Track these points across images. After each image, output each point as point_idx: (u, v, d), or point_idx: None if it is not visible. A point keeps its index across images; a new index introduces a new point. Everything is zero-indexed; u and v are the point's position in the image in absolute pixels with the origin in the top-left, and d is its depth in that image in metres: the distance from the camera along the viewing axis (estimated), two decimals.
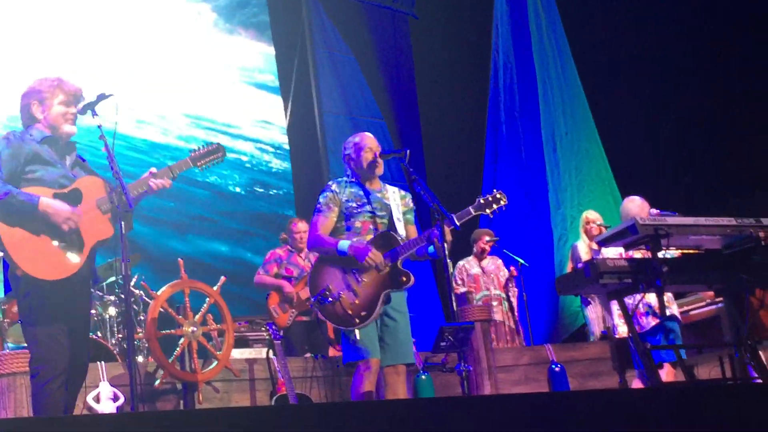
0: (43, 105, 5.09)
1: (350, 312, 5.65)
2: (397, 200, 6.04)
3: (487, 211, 6.01)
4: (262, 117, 12.93)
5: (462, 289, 10.08)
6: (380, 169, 6.02)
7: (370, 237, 5.87)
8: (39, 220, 4.81)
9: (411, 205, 6.16)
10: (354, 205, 5.91)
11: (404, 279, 5.80)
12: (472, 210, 5.96)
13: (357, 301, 5.69)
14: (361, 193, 5.96)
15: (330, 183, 6.05)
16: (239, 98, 12.80)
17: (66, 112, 5.09)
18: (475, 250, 10.27)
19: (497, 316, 9.96)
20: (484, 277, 10.16)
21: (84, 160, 5.25)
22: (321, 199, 5.94)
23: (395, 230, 5.93)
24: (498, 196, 6.06)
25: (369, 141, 6.07)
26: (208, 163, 5.45)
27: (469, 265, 10.25)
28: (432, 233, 5.73)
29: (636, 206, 7.33)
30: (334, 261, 5.78)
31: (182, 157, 5.44)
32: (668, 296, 7.23)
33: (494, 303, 9.97)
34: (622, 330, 7.82)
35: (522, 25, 13.11)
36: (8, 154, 4.93)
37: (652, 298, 6.92)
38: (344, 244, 5.74)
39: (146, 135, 11.84)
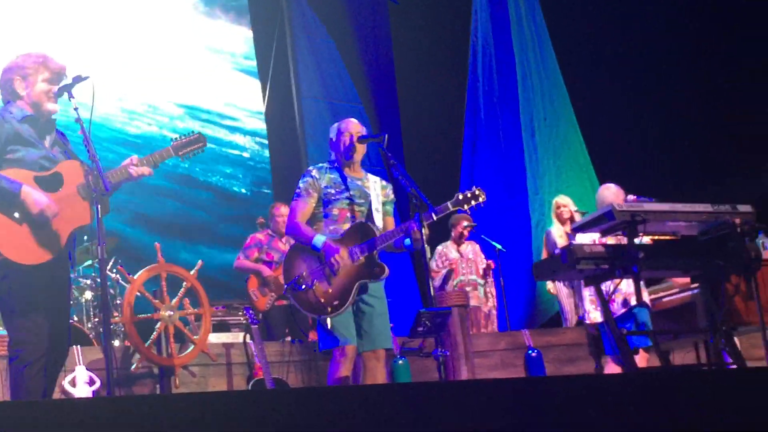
0: (26, 81, 5.01)
1: (323, 300, 5.65)
2: (377, 190, 6.03)
3: (465, 207, 6.00)
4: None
5: (443, 271, 10.08)
6: (358, 155, 6.00)
7: (347, 225, 5.84)
8: (18, 206, 4.76)
9: (392, 196, 6.14)
10: (332, 191, 5.89)
11: (378, 270, 5.79)
12: (450, 205, 5.95)
13: (330, 290, 5.68)
14: (341, 179, 5.94)
15: (310, 168, 6.02)
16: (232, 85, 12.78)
17: (49, 90, 5.01)
18: (453, 234, 10.28)
19: (473, 302, 9.98)
20: (462, 262, 10.17)
21: (65, 137, 5.20)
22: (300, 185, 5.91)
23: (373, 220, 5.93)
24: (477, 192, 6.02)
25: (350, 125, 6.05)
26: (189, 152, 5.38)
27: (447, 249, 10.26)
28: (410, 226, 5.71)
29: (611, 194, 7.35)
30: (310, 249, 5.77)
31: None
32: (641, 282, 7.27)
33: (468, 288, 9.98)
34: (593, 316, 7.87)
35: (501, 10, 13.12)
36: None
37: (623, 285, 6.95)
38: (319, 240, 5.71)
39: (137, 127, 11.81)
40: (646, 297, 7.41)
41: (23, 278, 4.80)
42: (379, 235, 5.82)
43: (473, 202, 6.02)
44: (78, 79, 5.01)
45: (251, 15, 13.23)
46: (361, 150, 6.01)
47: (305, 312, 5.77)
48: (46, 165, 4.94)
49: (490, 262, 10.22)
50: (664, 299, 8.14)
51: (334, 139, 6.04)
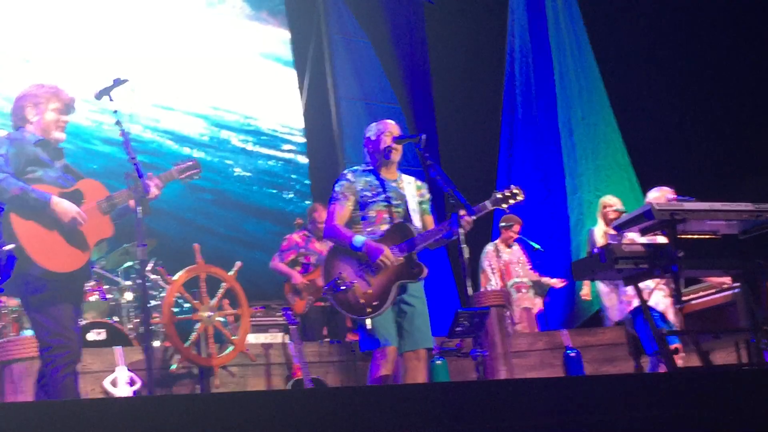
0: (37, 108, 5.25)
1: (362, 301, 5.65)
2: (412, 190, 6.03)
3: (503, 206, 5.99)
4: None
5: (492, 281, 10.02)
6: (396, 155, 6.00)
7: (384, 227, 5.84)
8: (50, 216, 4.99)
9: (427, 195, 6.14)
10: (369, 194, 5.89)
11: (417, 270, 5.79)
12: (488, 204, 5.95)
13: (370, 291, 5.68)
14: (377, 182, 5.93)
15: (345, 172, 6.02)
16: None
17: (58, 119, 5.28)
18: (503, 235, 10.25)
19: (526, 303, 9.96)
20: (515, 263, 10.14)
21: (70, 166, 5.44)
22: (336, 188, 5.92)
23: (410, 221, 5.92)
24: (515, 191, 6.02)
25: (390, 126, 6.05)
26: (189, 176, 5.63)
27: (498, 250, 10.22)
28: (452, 228, 5.70)
29: (663, 194, 7.29)
30: (349, 251, 5.77)
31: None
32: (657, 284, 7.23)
33: (524, 290, 9.96)
34: (610, 314, 7.85)
35: (538, 9, 13.05)
36: (13, 153, 5.09)
37: (629, 288, 6.89)
38: (359, 240, 5.72)
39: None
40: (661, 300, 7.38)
41: (54, 285, 5.02)
42: (417, 235, 5.82)
43: (511, 201, 6.01)
44: (118, 82, 5.23)
45: (288, 17, 13.28)
46: (399, 151, 6.01)
47: (345, 313, 5.77)
48: (63, 184, 5.20)
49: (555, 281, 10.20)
50: (703, 299, 8.08)
51: (372, 138, 6.03)
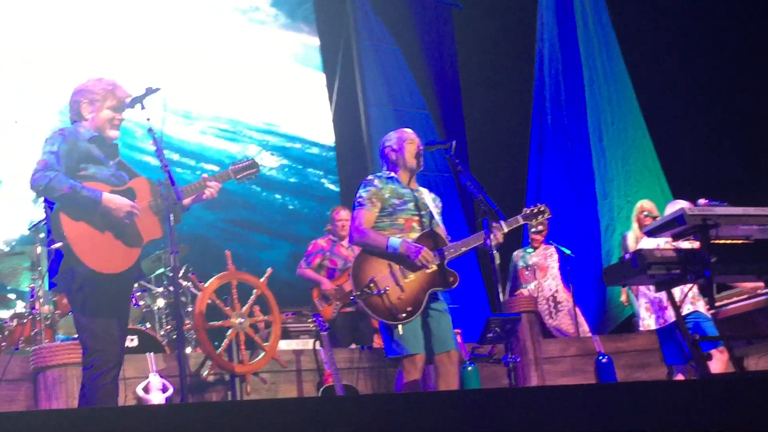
0: (92, 105, 5.16)
1: (396, 306, 5.62)
2: (430, 201, 6.05)
3: (533, 222, 6.13)
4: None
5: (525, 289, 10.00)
6: (420, 163, 6.03)
7: (414, 235, 5.84)
8: (101, 214, 4.89)
9: (440, 206, 6.17)
10: (396, 202, 5.88)
11: (452, 279, 5.79)
12: (520, 219, 6.07)
13: (402, 296, 5.66)
14: (403, 191, 5.94)
15: (371, 178, 5.99)
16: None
17: (113, 117, 5.17)
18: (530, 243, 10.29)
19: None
20: (528, 271, 10.10)
21: (126, 162, 5.34)
22: (363, 194, 5.89)
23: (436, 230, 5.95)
24: (542, 209, 6.19)
25: (411, 135, 6.08)
26: (245, 177, 5.60)
27: (518, 257, 10.22)
28: (486, 242, 5.73)
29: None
30: (380, 255, 5.76)
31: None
32: (694, 291, 7.18)
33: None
34: (647, 323, 7.79)
35: (567, 13, 13.01)
36: (65, 149, 4.99)
37: (663, 294, 6.86)
38: (395, 241, 5.71)
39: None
40: (701, 306, 7.33)
41: (100, 286, 4.92)
42: (448, 243, 5.83)
43: (540, 218, 6.17)
44: (150, 91, 5.16)
45: (317, 23, 13.34)
46: (421, 162, 6.04)
47: (378, 317, 5.67)
48: (116, 182, 5.10)
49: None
50: (736, 304, 8.03)
51: (394, 146, 6.03)
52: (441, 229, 5.95)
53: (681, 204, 7.32)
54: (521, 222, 6.08)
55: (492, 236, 5.71)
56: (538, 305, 9.40)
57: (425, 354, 5.69)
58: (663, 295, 6.89)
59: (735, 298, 8.06)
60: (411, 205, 5.90)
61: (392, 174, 6.00)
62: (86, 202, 4.85)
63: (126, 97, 5.19)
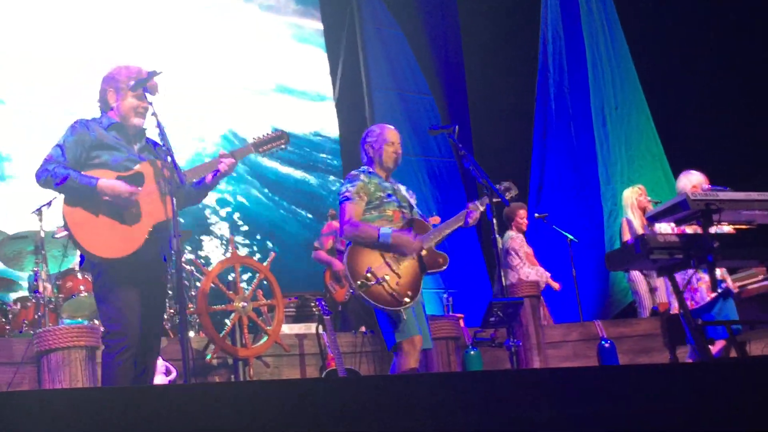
0: (118, 94, 5.17)
1: (398, 292, 5.66)
2: (406, 194, 6.13)
3: (508, 196, 6.17)
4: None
5: (526, 269, 9.91)
6: (396, 163, 6.09)
7: (400, 224, 5.90)
8: (98, 200, 4.91)
9: (415, 198, 6.25)
10: (382, 195, 5.93)
11: (441, 261, 5.87)
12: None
13: (401, 282, 5.70)
14: (387, 184, 6.01)
15: (356, 173, 6.02)
16: None
17: (138, 105, 5.15)
18: (514, 225, 10.10)
19: None
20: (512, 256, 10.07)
21: (156, 145, 5.31)
22: (350, 188, 5.91)
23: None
24: (507, 185, 6.25)
25: (392, 135, 6.09)
26: (270, 149, 5.52)
27: (520, 241, 10.14)
28: (468, 214, 5.80)
29: (689, 181, 7.25)
30: (371, 245, 5.78)
31: None
32: (722, 270, 7.16)
33: None
34: (676, 305, 7.77)
35: None
36: (72, 140, 5.04)
37: (693, 276, 6.87)
38: (386, 230, 5.76)
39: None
40: (730, 284, 7.31)
41: (112, 272, 4.97)
42: (432, 228, 5.90)
43: (508, 195, 6.20)
44: (152, 74, 5.14)
45: (321, 8, 13.32)
46: (397, 163, 6.11)
47: (381, 306, 5.68)
48: (131, 167, 5.10)
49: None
50: (746, 287, 8.01)
51: (374, 145, 6.06)
52: (420, 218, 6.04)
53: (695, 175, 7.31)
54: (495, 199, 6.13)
55: (471, 216, 5.86)
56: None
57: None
58: (693, 277, 6.87)
59: (739, 283, 8.04)
60: (394, 198, 5.96)
61: (371, 169, 6.04)
62: (83, 190, 4.89)
63: (151, 85, 5.17)
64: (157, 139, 5.18)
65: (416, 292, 5.71)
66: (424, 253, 5.80)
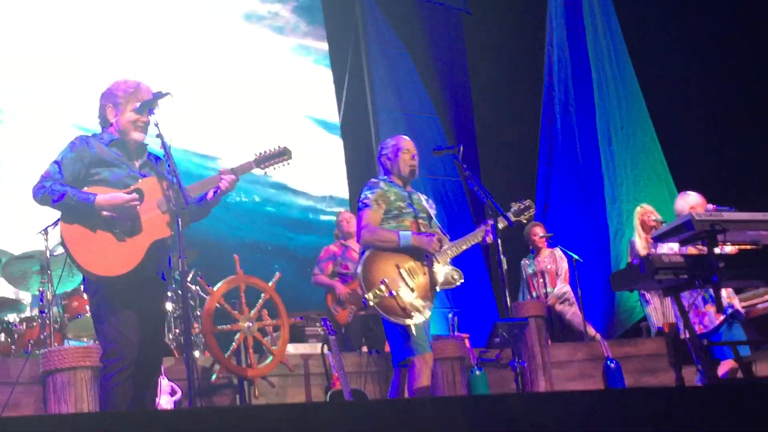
0: (116, 109, 5.11)
1: (410, 307, 5.64)
2: (426, 204, 6.11)
3: (522, 217, 6.22)
4: None
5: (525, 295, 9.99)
6: (415, 172, 6.07)
7: None
8: (97, 217, 4.85)
9: (435, 209, 6.23)
10: (402, 204, 5.92)
11: (456, 276, 5.84)
12: (512, 216, 6.18)
13: (414, 296, 5.69)
14: (405, 194, 5.99)
15: (376, 180, 6.03)
16: None
17: (137, 119, 5.09)
18: (530, 245, 10.19)
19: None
20: (537, 278, 10.05)
21: (158, 160, 5.27)
22: (369, 195, 5.91)
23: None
24: (528, 203, 6.31)
25: (406, 143, 6.11)
26: (272, 165, 5.44)
27: (526, 264, 10.16)
28: (486, 233, 5.79)
29: (686, 203, 7.24)
30: (386, 256, 5.77)
31: None
32: (728, 291, 7.15)
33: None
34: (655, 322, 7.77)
35: (576, 18, 13.01)
36: (71, 157, 4.98)
37: (699, 299, 6.86)
38: (406, 234, 5.75)
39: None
40: (737, 304, 7.29)
41: (110, 288, 4.89)
42: (450, 242, 5.88)
43: (527, 213, 6.27)
44: (159, 95, 5.06)
45: (326, 28, 13.35)
46: (415, 171, 6.10)
47: (392, 318, 5.65)
48: (131, 183, 5.03)
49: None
50: (752, 307, 7.99)
51: (390, 155, 6.07)
52: (439, 230, 6.00)
53: (692, 196, 7.31)
54: (513, 219, 6.13)
55: (488, 234, 5.82)
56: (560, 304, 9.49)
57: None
58: (699, 300, 6.87)
59: (744, 303, 8.02)
60: (414, 208, 5.94)
61: (390, 179, 6.04)
62: (80, 207, 4.83)
63: (149, 98, 5.10)
64: (160, 153, 5.14)
65: (428, 306, 5.70)
66: (439, 267, 5.78)
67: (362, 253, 5.86)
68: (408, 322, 5.62)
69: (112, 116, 5.12)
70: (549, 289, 9.94)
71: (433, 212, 6.11)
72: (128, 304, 4.92)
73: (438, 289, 5.80)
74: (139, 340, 4.95)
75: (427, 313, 5.69)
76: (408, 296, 5.67)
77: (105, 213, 4.84)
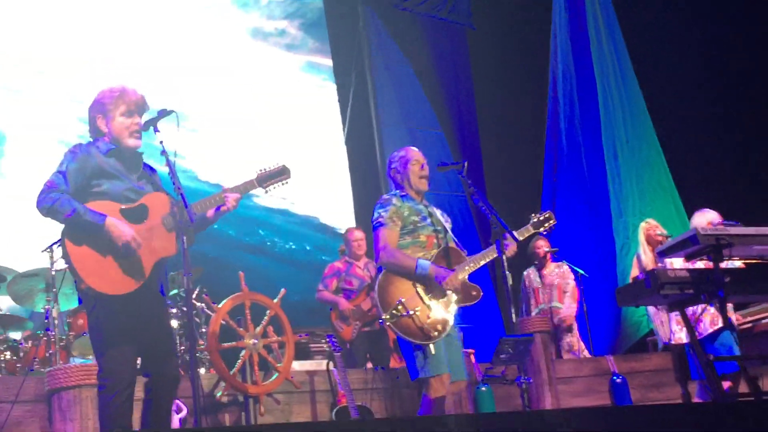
0: (106, 118, 5.03)
1: (427, 326, 5.61)
2: (441, 218, 6.07)
3: (542, 229, 6.14)
4: None
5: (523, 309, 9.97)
6: (427, 181, 6.04)
7: (434, 251, 5.85)
8: (104, 237, 4.78)
9: (451, 223, 6.20)
10: (417, 219, 5.88)
11: (474, 293, 5.80)
12: (531, 228, 6.10)
13: (431, 315, 5.66)
14: (420, 207, 5.95)
15: (388, 197, 6.00)
16: None
17: (130, 124, 5.01)
18: (535, 259, 10.16)
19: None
20: (544, 289, 10.02)
21: (153, 171, 5.22)
22: (383, 213, 5.87)
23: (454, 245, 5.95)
24: (548, 215, 6.25)
25: (415, 154, 6.09)
26: (273, 184, 5.41)
27: (531, 275, 10.11)
28: (506, 245, 5.76)
29: (706, 219, 7.22)
30: (405, 276, 5.74)
31: None
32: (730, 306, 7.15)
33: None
34: (678, 336, 7.75)
35: (581, 33, 13.03)
36: (74, 168, 4.89)
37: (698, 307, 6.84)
38: (424, 263, 5.70)
39: None
40: (733, 319, 7.28)
41: (110, 308, 4.83)
42: (466, 259, 5.83)
43: (546, 225, 6.20)
44: (163, 113, 5.02)
45: (331, 44, 13.37)
46: (426, 180, 6.06)
47: (409, 339, 5.63)
48: (132, 197, 4.97)
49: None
50: (758, 322, 7.97)
51: (399, 168, 6.05)
52: (455, 245, 5.96)
53: (711, 213, 7.30)
54: (532, 230, 6.15)
55: (507, 248, 5.76)
56: (565, 322, 9.46)
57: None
58: (698, 308, 6.86)
59: (750, 318, 8.00)
60: (429, 222, 5.91)
61: (403, 193, 6.01)
62: (89, 226, 4.76)
63: (136, 100, 5.05)
64: (151, 163, 5.09)
65: (446, 326, 5.66)
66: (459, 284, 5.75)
67: (379, 270, 5.84)
68: (426, 341, 5.60)
69: (104, 125, 5.04)
70: (555, 304, 9.90)
71: (449, 226, 6.07)
72: (128, 323, 4.86)
73: (456, 306, 5.76)
74: (152, 356, 4.94)
75: (445, 332, 5.65)
76: (425, 315, 5.64)
77: (110, 237, 4.78)
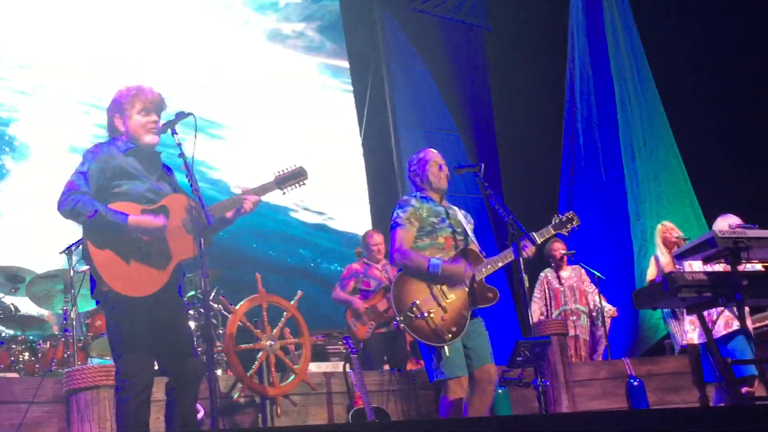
0: (123, 117, 5.03)
1: (441, 328, 5.62)
2: (462, 219, 6.06)
3: (564, 230, 6.09)
4: None
5: (536, 310, 9.94)
6: (446, 182, 6.04)
7: (452, 253, 5.86)
8: (127, 238, 4.78)
9: (473, 223, 6.18)
10: (435, 220, 5.89)
11: (491, 295, 5.80)
12: (551, 229, 6.06)
13: (446, 317, 5.66)
14: (439, 209, 5.96)
15: (407, 198, 6.02)
16: None
17: (146, 122, 5.01)
18: (552, 261, 10.13)
19: (575, 331, 9.80)
20: (565, 290, 9.98)
21: (171, 171, 5.23)
22: (401, 214, 5.90)
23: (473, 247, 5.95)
24: (571, 216, 6.19)
25: (433, 155, 6.10)
26: (291, 186, 5.40)
27: (549, 276, 10.08)
28: (524, 246, 5.73)
29: (728, 223, 7.20)
30: (419, 276, 5.76)
31: None
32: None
33: (573, 318, 9.81)
34: (690, 336, 7.72)
35: (598, 35, 13.00)
36: (95, 168, 4.87)
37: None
38: (436, 262, 5.71)
39: None
40: (748, 323, 7.24)
41: (130, 311, 4.82)
42: (484, 260, 5.83)
43: (569, 226, 6.10)
44: (181, 116, 5.00)
45: (347, 46, 13.38)
46: (447, 177, 6.05)
47: (424, 341, 5.65)
48: (152, 198, 4.96)
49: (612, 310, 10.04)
50: None
51: (418, 171, 6.05)
52: (476, 246, 5.96)
53: (733, 218, 7.27)
54: (552, 232, 6.11)
55: (525, 250, 5.73)
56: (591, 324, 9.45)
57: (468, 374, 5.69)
58: (713, 310, 6.83)
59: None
60: (448, 223, 5.91)
61: (423, 194, 6.02)
62: (111, 226, 4.74)
63: (153, 98, 5.05)
64: (173, 163, 5.09)
65: (461, 328, 5.66)
66: (474, 285, 5.74)
67: (399, 271, 5.86)
68: (439, 343, 5.61)
69: (121, 124, 5.04)
70: (576, 305, 9.87)
71: (470, 228, 6.07)
72: (147, 326, 4.86)
73: (472, 308, 5.76)
74: (172, 357, 4.93)
75: (460, 334, 5.64)
76: (439, 317, 5.65)
77: (135, 234, 4.79)
